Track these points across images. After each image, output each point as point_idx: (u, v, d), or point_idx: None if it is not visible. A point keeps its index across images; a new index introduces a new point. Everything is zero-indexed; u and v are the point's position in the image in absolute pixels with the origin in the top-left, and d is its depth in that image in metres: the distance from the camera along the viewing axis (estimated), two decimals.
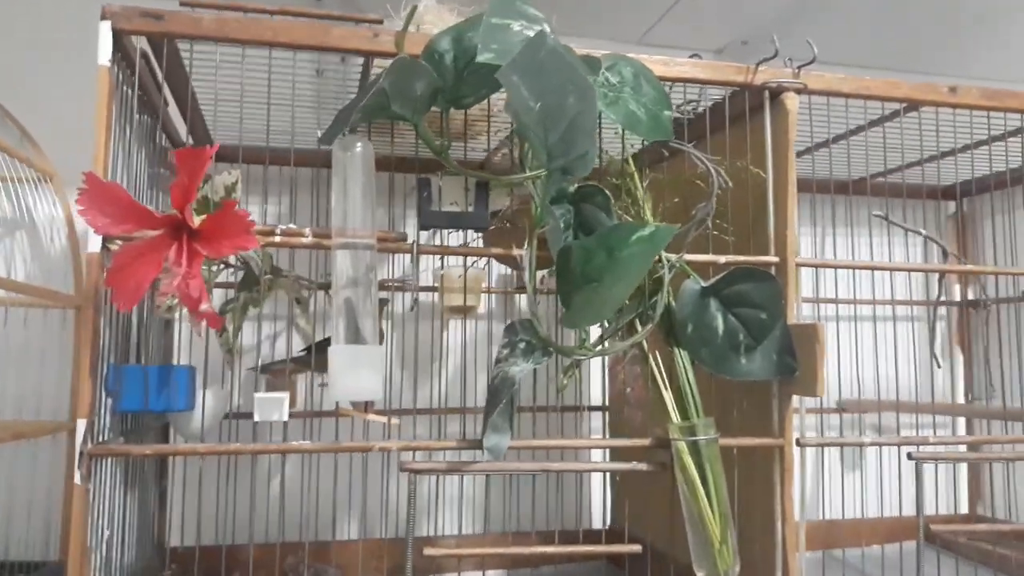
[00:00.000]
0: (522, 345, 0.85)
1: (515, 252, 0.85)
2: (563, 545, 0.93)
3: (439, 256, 1.30)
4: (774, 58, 0.97)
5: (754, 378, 0.91)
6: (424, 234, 0.95)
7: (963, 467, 1.71)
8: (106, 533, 0.88)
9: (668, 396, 0.90)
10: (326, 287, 1.24)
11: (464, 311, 1.33)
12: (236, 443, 0.79)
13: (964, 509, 1.72)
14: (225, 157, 1.29)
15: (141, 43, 0.86)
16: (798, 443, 0.94)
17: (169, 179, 1.21)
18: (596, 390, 1.47)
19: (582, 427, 1.49)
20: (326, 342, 0.91)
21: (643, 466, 0.90)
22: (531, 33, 0.79)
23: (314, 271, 1.22)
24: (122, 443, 0.86)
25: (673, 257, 0.91)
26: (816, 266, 1.04)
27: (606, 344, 0.89)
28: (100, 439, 0.84)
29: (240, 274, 1.02)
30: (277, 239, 0.83)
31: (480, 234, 1.05)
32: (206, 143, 1.25)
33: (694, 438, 0.88)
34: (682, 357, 0.91)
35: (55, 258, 1.26)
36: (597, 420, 1.52)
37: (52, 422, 1.15)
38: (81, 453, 0.77)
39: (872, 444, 1.00)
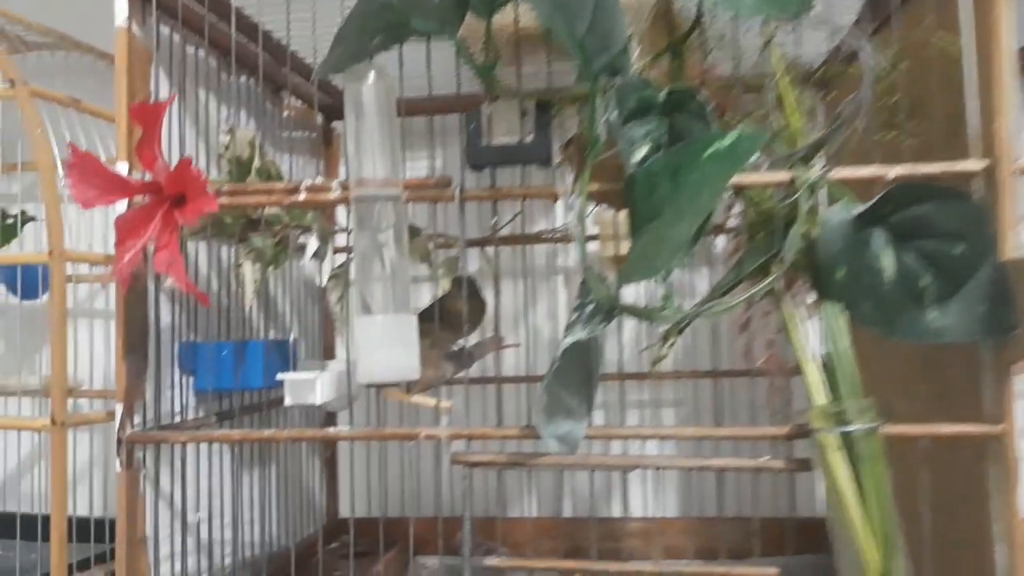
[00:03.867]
0: (590, 307, 0.66)
1: (559, 190, 0.66)
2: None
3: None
4: None
5: (950, 340, 0.63)
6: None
7: None
8: (197, 516, 0.84)
9: (812, 369, 0.65)
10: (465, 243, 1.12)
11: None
12: (269, 430, 0.70)
13: None
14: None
15: None
16: None
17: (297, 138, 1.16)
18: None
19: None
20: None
21: (777, 463, 0.66)
22: None
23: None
24: (195, 427, 0.81)
25: (813, 173, 0.65)
26: None
27: (714, 302, 0.66)
28: (177, 420, 0.80)
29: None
30: (302, 197, 0.71)
31: (546, 167, 0.85)
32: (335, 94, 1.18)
33: (845, 427, 0.62)
34: (831, 315, 0.65)
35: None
36: None
37: None
38: (119, 441, 0.73)
39: None
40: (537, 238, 1.21)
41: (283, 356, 0.88)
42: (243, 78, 0.98)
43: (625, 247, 1.16)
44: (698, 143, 0.56)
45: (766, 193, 0.70)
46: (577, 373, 0.68)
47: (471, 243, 1.12)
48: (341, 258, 1.01)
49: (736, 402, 1.15)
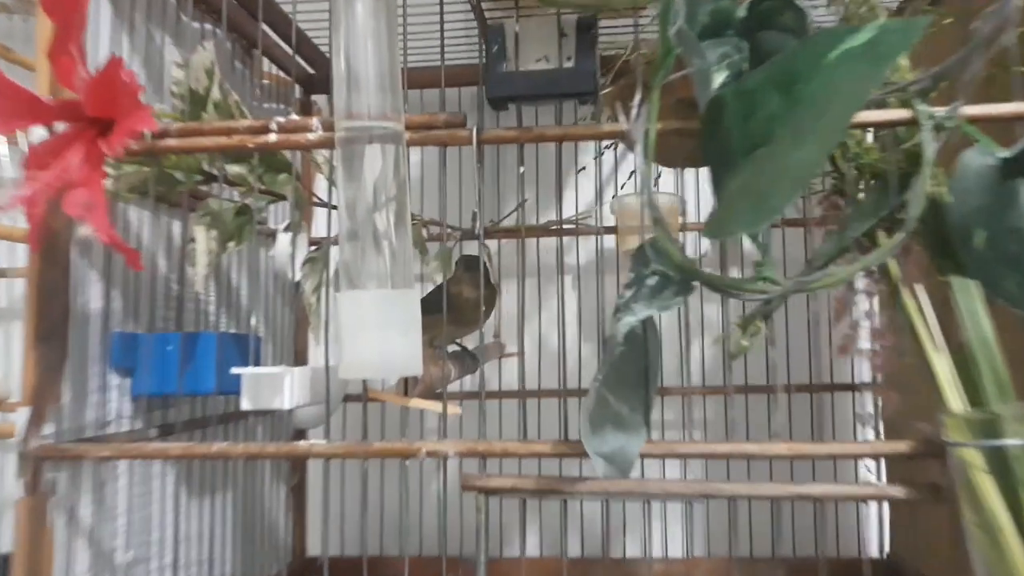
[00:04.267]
0: (652, 280, 0.50)
1: (621, 125, 0.50)
2: None
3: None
4: None
5: None
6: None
7: None
8: (128, 555, 0.66)
9: (943, 365, 0.50)
10: (468, 233, 0.96)
11: None
12: (219, 443, 0.53)
13: None
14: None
15: None
16: None
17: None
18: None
19: (844, 411, 1.07)
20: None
21: (894, 491, 0.50)
22: None
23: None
24: (128, 440, 0.64)
25: (940, 110, 0.50)
26: None
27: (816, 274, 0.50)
28: (106, 432, 0.63)
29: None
30: (272, 137, 0.55)
31: (588, 104, 0.69)
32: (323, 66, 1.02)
33: (994, 441, 0.47)
34: (964, 294, 0.50)
35: None
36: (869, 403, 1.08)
37: None
38: (21, 455, 0.55)
39: None
40: (545, 230, 1.05)
41: (243, 353, 0.71)
42: (208, 25, 0.81)
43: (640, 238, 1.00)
44: (817, 43, 0.41)
45: (865, 141, 0.55)
46: (630, 370, 0.51)
47: (467, 236, 0.96)
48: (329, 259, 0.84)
49: (779, 421, 0.99)
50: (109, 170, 0.57)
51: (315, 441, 0.53)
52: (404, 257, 0.51)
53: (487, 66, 0.55)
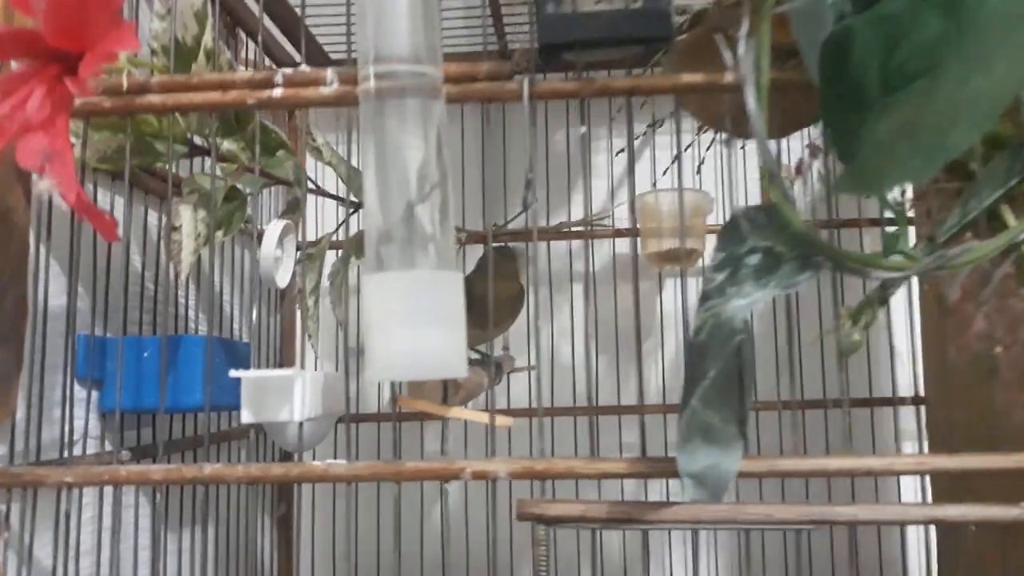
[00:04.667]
0: (754, 259, 0.41)
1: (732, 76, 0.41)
2: None
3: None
4: None
5: None
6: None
7: None
8: None
9: None
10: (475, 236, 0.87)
11: (680, 259, 0.89)
12: (212, 465, 0.42)
13: None
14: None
15: None
16: None
17: None
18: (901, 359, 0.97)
19: (879, 427, 0.99)
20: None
21: None
22: None
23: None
24: (96, 461, 0.53)
25: None
26: None
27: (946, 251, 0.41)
28: (63, 452, 0.52)
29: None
30: (277, 92, 0.45)
31: (660, 57, 0.60)
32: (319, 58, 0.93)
33: None
34: None
35: None
36: (907, 418, 1.00)
37: None
38: None
39: None
40: (556, 233, 0.96)
41: (234, 363, 0.61)
42: None
43: (671, 242, 0.92)
44: None
45: None
46: (720, 372, 0.42)
47: (474, 239, 0.86)
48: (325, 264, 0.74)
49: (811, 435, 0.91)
50: (73, 138, 0.47)
51: (332, 461, 0.43)
52: (447, 233, 0.42)
53: (536, 8, 0.46)
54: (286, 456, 0.91)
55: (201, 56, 0.49)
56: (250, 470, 0.43)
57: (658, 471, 0.42)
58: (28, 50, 0.38)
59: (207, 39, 0.49)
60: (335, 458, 0.84)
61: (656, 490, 0.83)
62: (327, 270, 0.71)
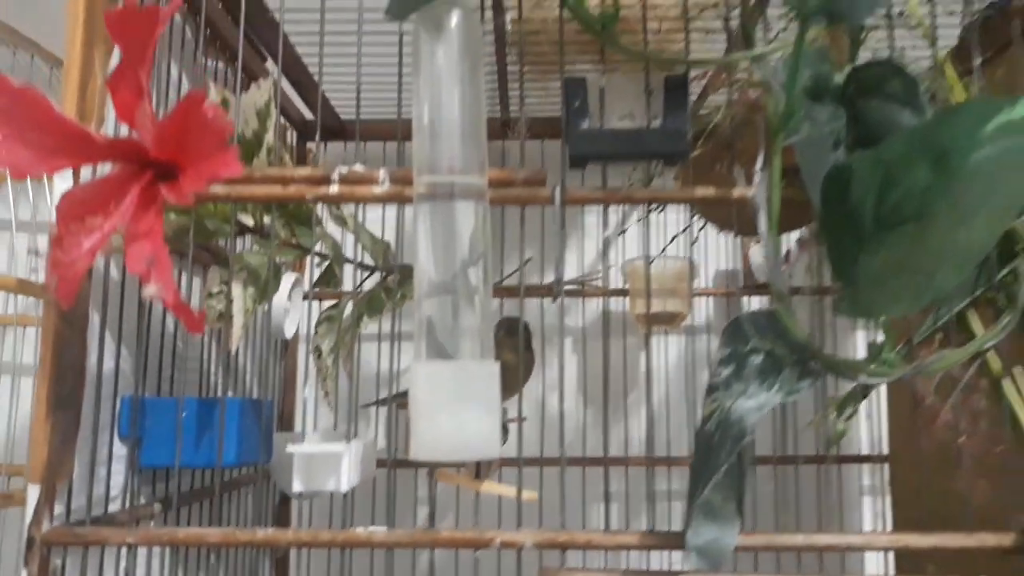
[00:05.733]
0: (757, 360, 0.46)
1: (739, 192, 0.47)
2: None
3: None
4: None
5: None
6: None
7: None
8: None
9: None
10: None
11: (666, 321, 0.95)
12: (264, 530, 0.46)
13: None
14: (341, 133, 1.01)
15: None
16: None
17: None
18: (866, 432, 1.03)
19: (847, 483, 1.05)
20: None
21: None
22: None
23: None
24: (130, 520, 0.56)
25: None
26: None
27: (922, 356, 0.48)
28: (106, 508, 0.55)
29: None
30: (333, 189, 0.50)
31: (674, 168, 0.66)
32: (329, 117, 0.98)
33: None
34: None
35: None
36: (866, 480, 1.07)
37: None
38: (30, 540, 0.48)
39: None
40: (548, 290, 1.02)
41: (260, 420, 0.65)
42: (219, 62, 0.76)
43: (658, 304, 0.98)
44: (967, 113, 0.39)
45: None
46: (719, 457, 0.48)
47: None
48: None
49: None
50: None
51: (373, 528, 0.48)
52: (487, 325, 0.47)
53: (567, 122, 0.51)
54: (285, 500, 0.95)
55: (263, 152, 0.53)
56: (300, 535, 0.47)
57: (668, 544, 0.47)
58: (126, 156, 0.42)
59: (268, 137, 0.53)
60: (330, 513, 0.88)
61: (657, 557, 0.88)
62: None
